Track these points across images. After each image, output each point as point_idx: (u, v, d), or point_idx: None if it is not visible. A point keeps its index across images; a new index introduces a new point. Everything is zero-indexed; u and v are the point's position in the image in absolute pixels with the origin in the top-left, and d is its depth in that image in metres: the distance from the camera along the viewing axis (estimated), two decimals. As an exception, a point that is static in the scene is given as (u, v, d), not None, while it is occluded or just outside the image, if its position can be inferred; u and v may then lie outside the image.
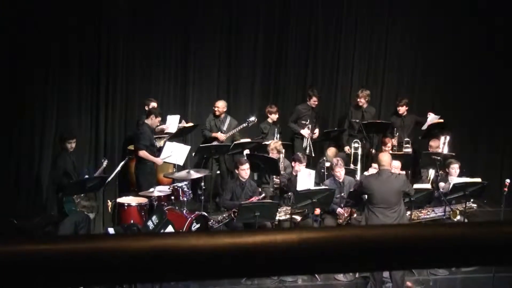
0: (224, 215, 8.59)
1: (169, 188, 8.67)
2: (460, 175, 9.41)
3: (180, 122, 10.36)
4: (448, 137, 10.56)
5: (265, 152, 9.78)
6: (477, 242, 1.13)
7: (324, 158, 10.09)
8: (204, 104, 11.22)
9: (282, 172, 9.56)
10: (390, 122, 11.11)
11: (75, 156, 9.05)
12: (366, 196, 7.61)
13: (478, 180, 8.92)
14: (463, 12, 11.91)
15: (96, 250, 1.04)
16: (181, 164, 9.43)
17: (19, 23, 9.53)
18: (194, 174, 8.82)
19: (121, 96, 10.61)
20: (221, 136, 10.32)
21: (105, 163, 9.23)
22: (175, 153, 9.24)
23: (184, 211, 8.40)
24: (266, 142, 10.10)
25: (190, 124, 10.47)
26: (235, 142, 9.97)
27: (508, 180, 8.50)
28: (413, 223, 8.55)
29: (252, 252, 1.07)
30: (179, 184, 8.63)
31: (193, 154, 9.89)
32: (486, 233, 1.14)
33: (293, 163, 9.35)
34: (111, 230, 7.65)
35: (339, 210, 8.77)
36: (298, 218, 8.71)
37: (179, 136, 10.32)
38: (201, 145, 9.94)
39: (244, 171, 8.90)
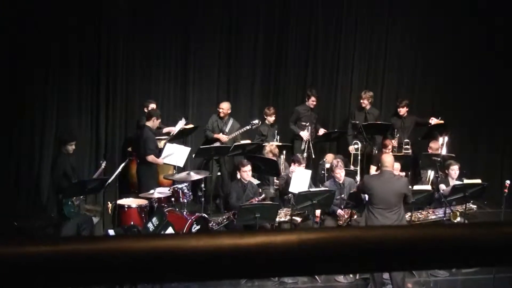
0: (224, 217, 8.58)
1: (169, 190, 8.64)
2: (460, 176, 9.39)
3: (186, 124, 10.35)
4: (446, 138, 10.51)
5: (263, 155, 9.75)
6: (477, 243, 1.13)
7: (325, 159, 10.07)
8: (205, 105, 11.22)
9: (282, 174, 9.54)
10: (390, 123, 11.07)
11: (75, 156, 9.03)
12: (366, 196, 7.61)
13: (478, 181, 8.90)
14: (463, 12, 11.91)
15: (96, 251, 1.04)
16: (181, 165, 9.41)
17: (19, 23, 9.53)
18: (194, 176, 8.80)
19: (121, 96, 10.62)
20: (223, 137, 10.30)
21: (103, 164, 9.19)
22: (175, 154, 9.23)
23: (184, 212, 8.38)
24: (266, 144, 10.07)
25: (191, 125, 10.46)
26: (235, 144, 9.94)
27: (508, 181, 8.48)
28: (413, 224, 8.55)
29: (252, 253, 1.07)
30: (179, 186, 8.60)
31: (193, 155, 9.88)
32: (486, 234, 1.14)
33: (292, 164, 9.33)
34: (111, 232, 7.63)
35: (339, 211, 8.76)
36: (298, 219, 8.70)
37: (179, 137, 10.32)
38: (201, 147, 9.92)
39: (246, 172, 8.88)
